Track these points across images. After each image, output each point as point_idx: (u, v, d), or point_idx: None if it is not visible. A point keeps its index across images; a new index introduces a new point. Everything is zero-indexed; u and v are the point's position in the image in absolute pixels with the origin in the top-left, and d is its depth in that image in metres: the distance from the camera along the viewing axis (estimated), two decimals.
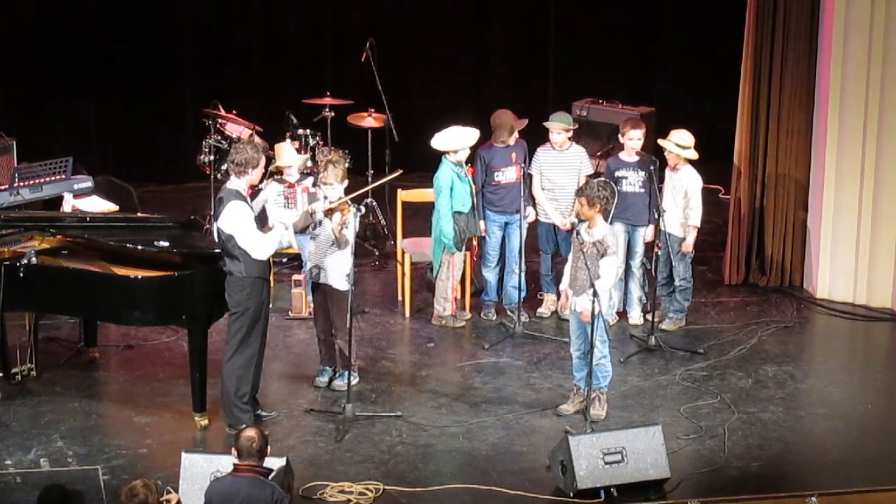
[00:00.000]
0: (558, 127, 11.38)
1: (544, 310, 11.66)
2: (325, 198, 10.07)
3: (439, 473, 9.17)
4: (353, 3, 15.00)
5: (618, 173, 11.26)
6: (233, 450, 7.74)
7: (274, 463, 8.45)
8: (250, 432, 7.75)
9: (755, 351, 11.11)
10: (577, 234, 9.66)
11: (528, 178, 11.36)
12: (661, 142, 11.21)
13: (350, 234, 9.82)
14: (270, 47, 14.92)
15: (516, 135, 11.36)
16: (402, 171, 10.72)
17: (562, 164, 11.42)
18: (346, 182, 10.12)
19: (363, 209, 10.07)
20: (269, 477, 7.72)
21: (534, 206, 11.51)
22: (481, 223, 11.38)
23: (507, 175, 11.34)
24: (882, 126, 11.64)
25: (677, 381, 10.53)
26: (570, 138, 11.47)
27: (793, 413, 10.09)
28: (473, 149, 11.32)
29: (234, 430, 9.46)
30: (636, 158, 11.21)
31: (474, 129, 11.30)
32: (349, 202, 9.93)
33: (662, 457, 8.96)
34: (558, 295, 11.53)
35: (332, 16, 14.98)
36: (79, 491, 7.70)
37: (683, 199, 11.17)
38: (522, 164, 11.28)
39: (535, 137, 11.65)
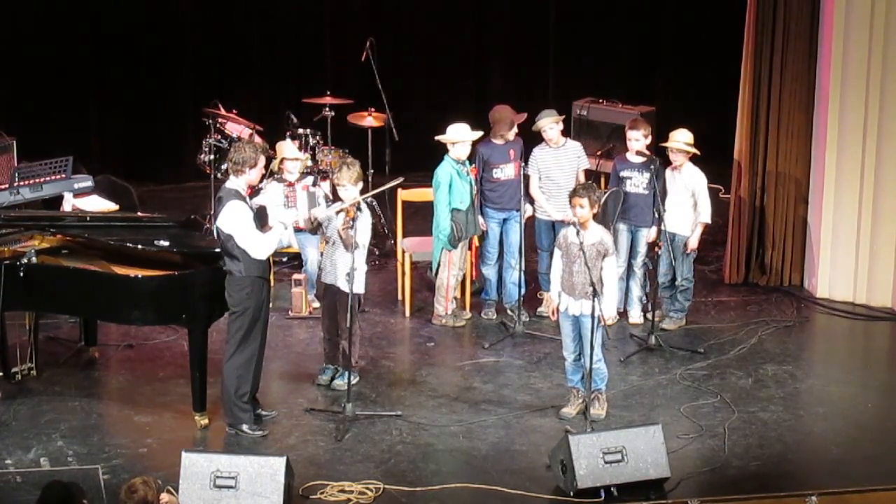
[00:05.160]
0: (549, 122, 11.37)
1: (544, 308, 11.65)
2: (327, 196, 10.09)
3: (439, 473, 9.16)
4: (353, 3, 15.00)
5: (622, 174, 11.28)
6: None
7: (274, 462, 8.47)
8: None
9: (755, 350, 11.11)
10: (577, 234, 9.59)
11: (525, 178, 11.36)
12: (668, 144, 11.20)
13: (358, 236, 9.81)
14: (270, 47, 14.92)
15: (515, 129, 11.37)
16: (402, 178, 10.71)
17: (560, 161, 11.43)
18: (360, 184, 10.11)
19: (363, 208, 10.08)
20: None
21: (531, 203, 11.51)
22: (480, 219, 11.37)
23: (506, 172, 11.35)
24: (882, 126, 11.64)
25: (677, 381, 10.53)
26: (563, 133, 11.49)
27: (793, 412, 10.09)
28: (474, 146, 11.33)
29: (235, 430, 9.51)
30: (641, 159, 11.20)
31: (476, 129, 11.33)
32: (358, 205, 9.91)
33: (662, 456, 8.96)
34: None
35: (332, 16, 14.99)
36: (78, 485, 7.69)
37: (690, 198, 11.18)
38: (521, 162, 11.28)
39: (535, 137, 11.65)
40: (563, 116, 11.80)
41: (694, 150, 11.15)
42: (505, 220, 11.44)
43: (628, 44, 15.42)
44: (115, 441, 9.46)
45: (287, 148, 11.54)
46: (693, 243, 11.26)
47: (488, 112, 11.59)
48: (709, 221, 11.30)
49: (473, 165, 11.36)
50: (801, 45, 11.95)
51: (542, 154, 11.47)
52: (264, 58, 14.92)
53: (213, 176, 12.65)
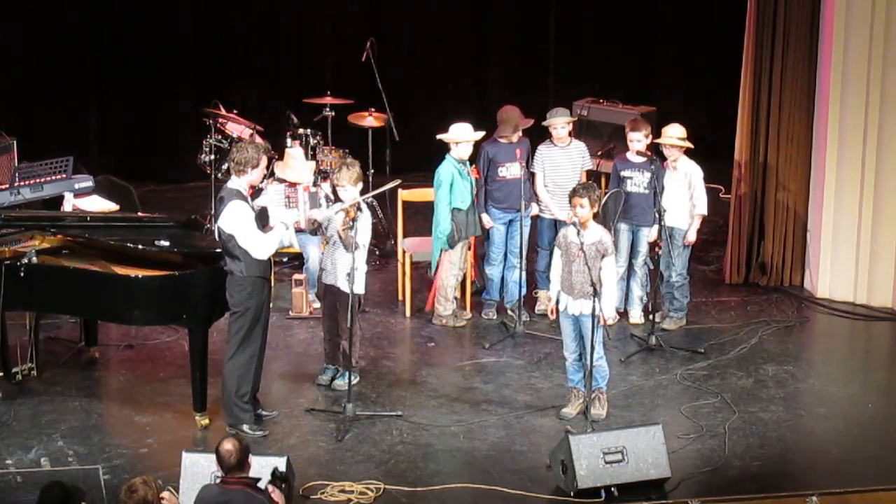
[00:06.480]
0: (562, 121, 11.43)
1: (543, 307, 11.64)
2: (328, 196, 10.08)
3: (440, 473, 9.17)
4: (353, 3, 15.00)
5: (623, 173, 11.29)
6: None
7: (274, 462, 8.47)
8: (227, 445, 7.61)
9: (756, 350, 11.11)
10: (577, 233, 9.59)
11: (530, 176, 11.37)
12: (661, 140, 11.23)
13: (359, 236, 9.80)
14: (270, 47, 14.92)
15: (520, 133, 11.38)
16: (400, 181, 10.73)
17: (565, 160, 11.47)
18: (360, 185, 10.11)
19: (363, 209, 10.08)
20: (260, 483, 7.68)
21: (536, 201, 11.53)
22: (483, 216, 11.36)
23: (512, 171, 11.35)
24: (882, 127, 11.64)
25: (678, 381, 10.54)
26: (570, 133, 11.53)
27: (793, 412, 10.10)
28: (477, 145, 11.34)
29: (235, 430, 9.51)
30: (641, 159, 11.22)
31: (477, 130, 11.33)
32: (357, 205, 9.90)
33: (663, 456, 8.96)
34: None
35: (332, 16, 14.99)
36: (77, 486, 7.70)
37: (687, 191, 11.21)
38: (523, 163, 11.28)
39: (538, 137, 11.64)
40: (576, 119, 11.85)
41: (687, 144, 11.18)
42: (511, 221, 11.44)
43: (629, 44, 15.41)
44: (116, 441, 9.47)
45: (295, 169, 11.26)
46: (691, 236, 11.28)
47: (489, 112, 11.62)
48: (705, 213, 11.32)
49: (475, 166, 11.37)
50: (801, 47, 11.95)
51: (547, 151, 11.50)
52: (264, 58, 14.92)
53: (213, 176, 12.65)
